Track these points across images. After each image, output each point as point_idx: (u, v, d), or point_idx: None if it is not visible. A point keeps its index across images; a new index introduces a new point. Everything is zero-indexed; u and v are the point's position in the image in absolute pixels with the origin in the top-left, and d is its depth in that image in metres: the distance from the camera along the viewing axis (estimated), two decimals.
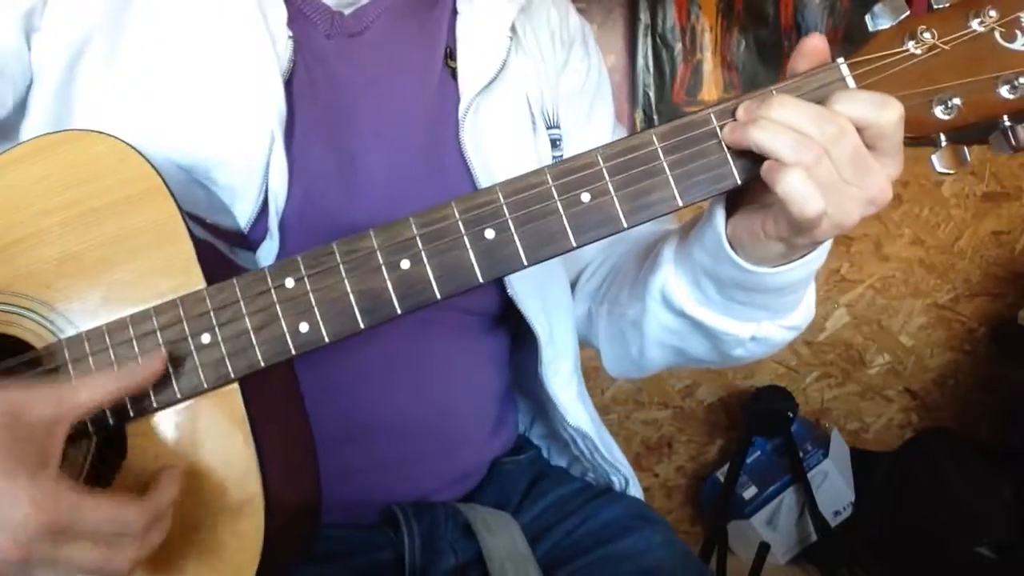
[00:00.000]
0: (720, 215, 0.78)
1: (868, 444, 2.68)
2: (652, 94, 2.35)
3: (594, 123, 1.08)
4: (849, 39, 2.35)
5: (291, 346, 0.71)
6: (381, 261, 0.70)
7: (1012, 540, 2.22)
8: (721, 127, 0.69)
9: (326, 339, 0.70)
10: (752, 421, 2.33)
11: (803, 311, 0.87)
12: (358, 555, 0.88)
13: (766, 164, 0.67)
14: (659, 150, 0.69)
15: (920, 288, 2.57)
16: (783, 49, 2.35)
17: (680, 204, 0.70)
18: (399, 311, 0.70)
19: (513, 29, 0.99)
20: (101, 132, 0.73)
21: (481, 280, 0.70)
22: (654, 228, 0.99)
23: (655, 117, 2.34)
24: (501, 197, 0.70)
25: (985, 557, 2.22)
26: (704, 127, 0.70)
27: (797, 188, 0.66)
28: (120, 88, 0.83)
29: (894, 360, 2.63)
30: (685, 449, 2.63)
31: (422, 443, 0.93)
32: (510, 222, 0.70)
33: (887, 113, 0.66)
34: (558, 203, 0.69)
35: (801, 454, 2.40)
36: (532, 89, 1.00)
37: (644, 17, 2.32)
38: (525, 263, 0.70)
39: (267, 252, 0.82)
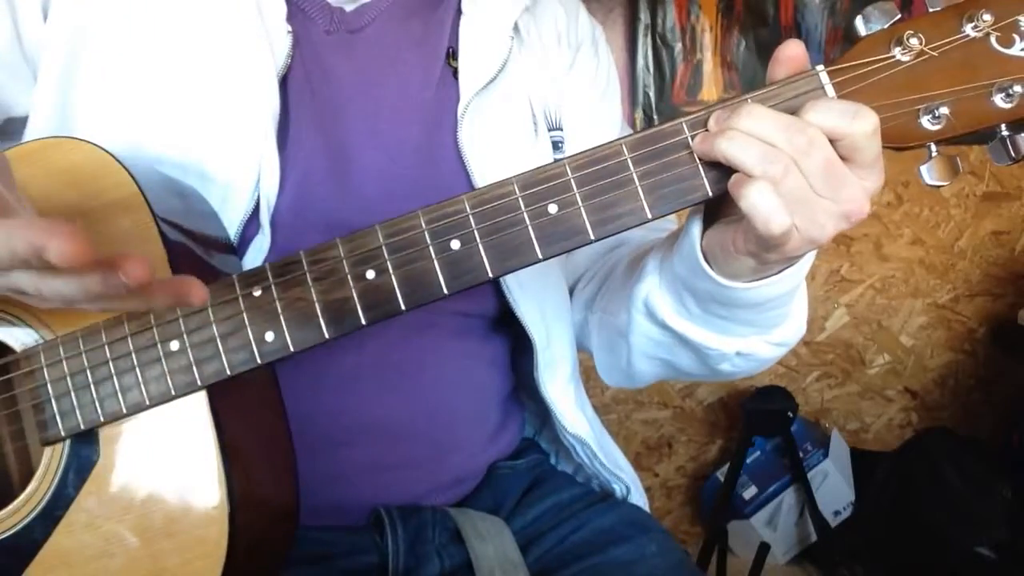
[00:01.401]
0: (696, 227, 0.76)
1: (868, 444, 2.68)
2: (652, 94, 2.35)
3: (599, 126, 1.07)
4: (849, 39, 2.34)
5: (256, 355, 0.70)
6: (347, 271, 0.69)
7: (1012, 540, 2.21)
8: (693, 137, 0.67)
9: (291, 348, 0.70)
10: (752, 421, 2.32)
11: (791, 326, 0.84)
12: (343, 558, 0.88)
13: (733, 177, 0.65)
14: (629, 161, 0.67)
15: (920, 288, 2.57)
16: None
17: (649, 216, 0.68)
18: (364, 322, 0.69)
19: (516, 29, 0.98)
20: (80, 139, 0.74)
21: (446, 292, 0.69)
22: (648, 235, 0.99)
23: (655, 117, 2.34)
24: (468, 207, 0.68)
25: (985, 557, 2.22)
26: (675, 137, 0.68)
27: (761, 203, 0.64)
28: (117, 83, 0.83)
29: (894, 360, 2.62)
30: (685, 449, 2.63)
31: (414, 447, 0.93)
32: (476, 233, 0.68)
33: (860, 123, 0.63)
34: (525, 214, 0.68)
35: (801, 454, 2.40)
36: (534, 90, 1.00)
37: (644, 17, 2.32)
38: (490, 275, 0.69)
39: (259, 248, 0.83)
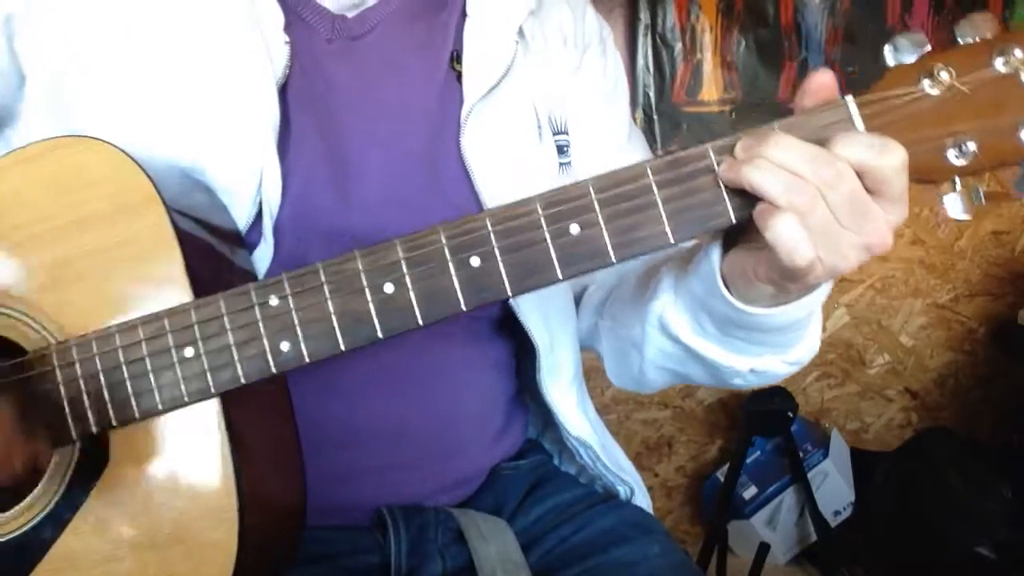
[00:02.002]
0: (717, 251, 0.75)
1: (868, 444, 2.68)
2: (652, 94, 2.35)
3: (606, 127, 1.07)
4: (849, 39, 2.35)
5: (271, 364, 0.70)
6: (365, 284, 0.69)
7: (1012, 540, 2.21)
8: (718, 163, 0.67)
9: (306, 359, 0.70)
10: (752, 421, 2.32)
11: (806, 346, 0.84)
12: (345, 557, 0.89)
13: (759, 207, 0.65)
14: (652, 184, 0.67)
15: (920, 288, 2.57)
16: (783, 49, 2.35)
17: (672, 241, 0.67)
18: (380, 335, 0.69)
19: (521, 32, 0.97)
20: (97, 139, 0.74)
21: (464, 308, 0.68)
22: None
23: (655, 117, 2.34)
24: (489, 224, 0.68)
25: (985, 557, 2.22)
26: (700, 162, 0.67)
27: (786, 235, 0.63)
28: (116, 93, 0.83)
29: (894, 360, 2.62)
30: (685, 449, 2.63)
31: (418, 449, 0.93)
32: (496, 250, 0.68)
33: (888, 158, 0.62)
34: (546, 233, 0.67)
35: (801, 454, 2.40)
36: (539, 95, 0.98)
37: (644, 17, 2.32)
38: (509, 293, 0.68)
39: (262, 256, 0.83)
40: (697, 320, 0.83)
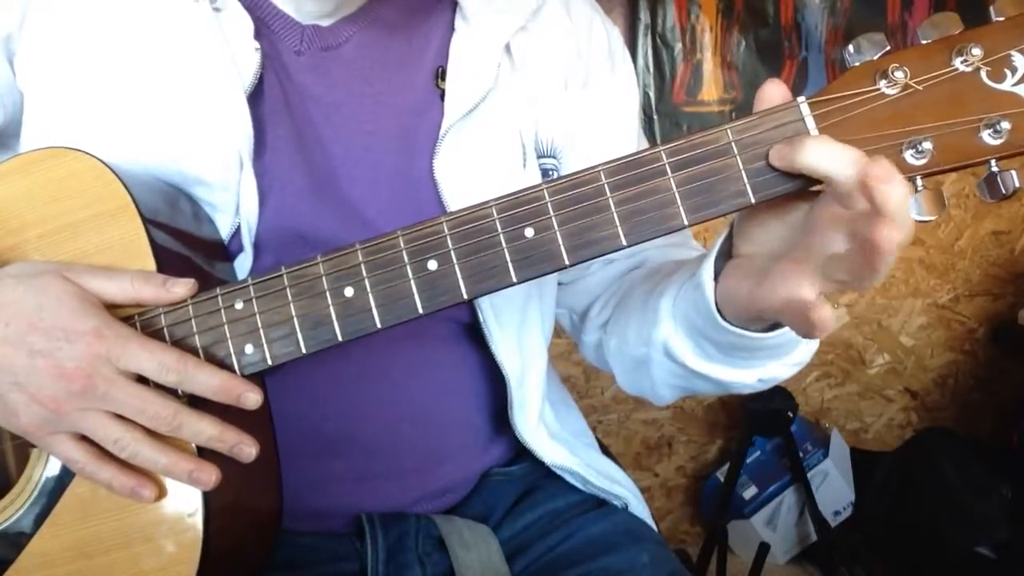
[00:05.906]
0: (709, 283, 0.76)
1: (868, 444, 2.68)
2: (652, 94, 2.35)
3: (609, 151, 1.01)
4: (849, 39, 2.33)
5: (237, 367, 0.72)
6: (326, 287, 0.71)
7: (1012, 540, 2.21)
8: (671, 164, 0.67)
9: (269, 362, 0.71)
10: (752, 421, 2.32)
11: (808, 347, 0.83)
12: (322, 564, 0.88)
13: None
14: (606, 186, 0.67)
15: (920, 288, 2.56)
16: (783, 49, 2.35)
17: (624, 244, 0.67)
18: (340, 338, 0.71)
19: (508, 50, 0.93)
20: (80, 150, 0.75)
21: (421, 311, 0.69)
22: (663, 254, 0.97)
23: (655, 117, 2.34)
24: (446, 228, 0.69)
25: (985, 557, 2.22)
26: (654, 164, 0.67)
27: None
28: (97, 106, 0.84)
29: (894, 360, 2.62)
30: (685, 449, 2.63)
31: (401, 457, 0.92)
32: (453, 254, 0.69)
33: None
34: (501, 236, 0.68)
35: (801, 454, 2.40)
36: (526, 117, 0.95)
37: (644, 17, 2.31)
38: (465, 296, 0.69)
39: (242, 266, 0.83)
40: (700, 347, 0.83)
